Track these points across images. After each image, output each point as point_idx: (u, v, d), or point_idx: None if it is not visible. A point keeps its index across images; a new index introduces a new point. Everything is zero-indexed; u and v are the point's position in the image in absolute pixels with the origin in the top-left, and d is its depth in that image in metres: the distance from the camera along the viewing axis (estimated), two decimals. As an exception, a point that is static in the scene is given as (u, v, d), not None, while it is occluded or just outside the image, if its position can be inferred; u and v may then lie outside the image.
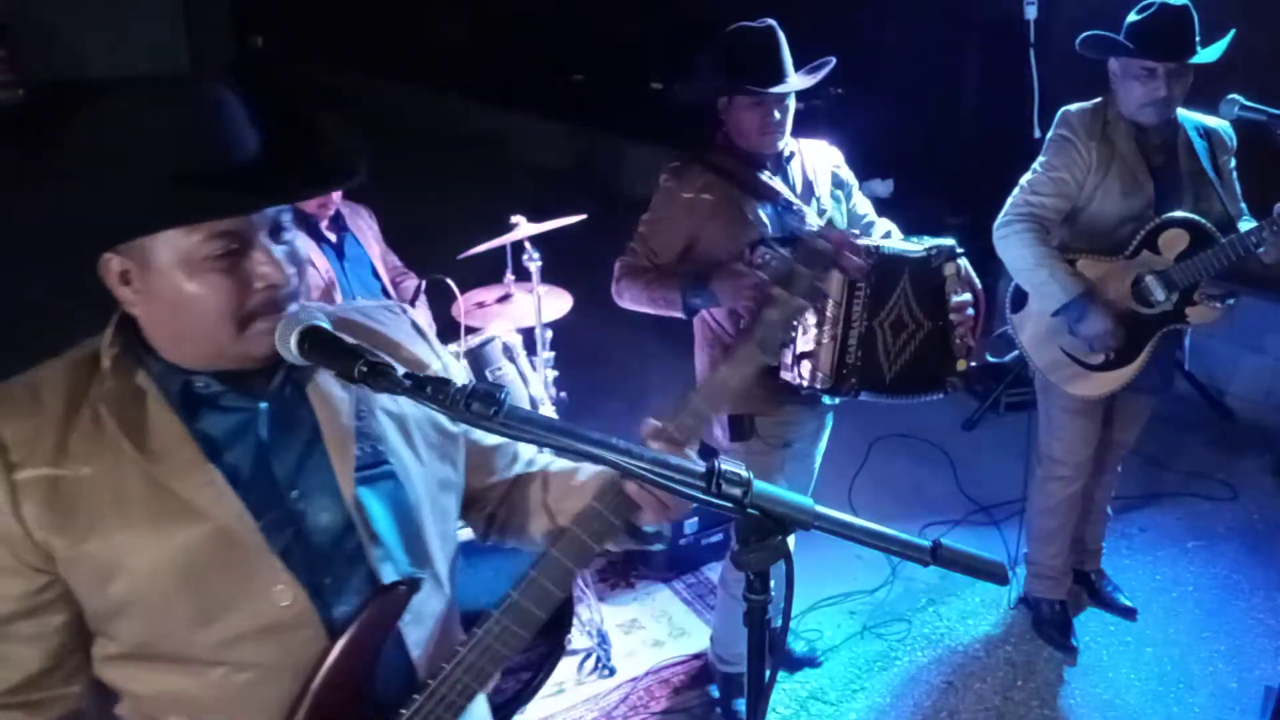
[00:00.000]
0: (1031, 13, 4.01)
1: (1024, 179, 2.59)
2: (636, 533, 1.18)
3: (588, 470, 1.30)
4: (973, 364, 2.26)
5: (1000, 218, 2.60)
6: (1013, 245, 2.54)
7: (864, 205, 2.56)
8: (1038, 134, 4.09)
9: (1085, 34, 2.47)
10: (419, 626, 1.16)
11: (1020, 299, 2.69)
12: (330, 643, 1.08)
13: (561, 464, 1.36)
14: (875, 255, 2.15)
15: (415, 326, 1.27)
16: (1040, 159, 2.57)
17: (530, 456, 1.39)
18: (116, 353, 1.05)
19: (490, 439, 1.33)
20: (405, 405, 1.18)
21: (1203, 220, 2.46)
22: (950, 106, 5.50)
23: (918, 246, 2.21)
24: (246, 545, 1.04)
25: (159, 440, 1.03)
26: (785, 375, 2.25)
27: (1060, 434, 2.75)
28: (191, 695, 1.07)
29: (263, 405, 1.08)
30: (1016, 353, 2.77)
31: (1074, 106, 2.56)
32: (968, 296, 2.21)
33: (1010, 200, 2.60)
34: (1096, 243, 2.56)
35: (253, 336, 1.01)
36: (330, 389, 1.12)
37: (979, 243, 2.82)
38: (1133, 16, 2.43)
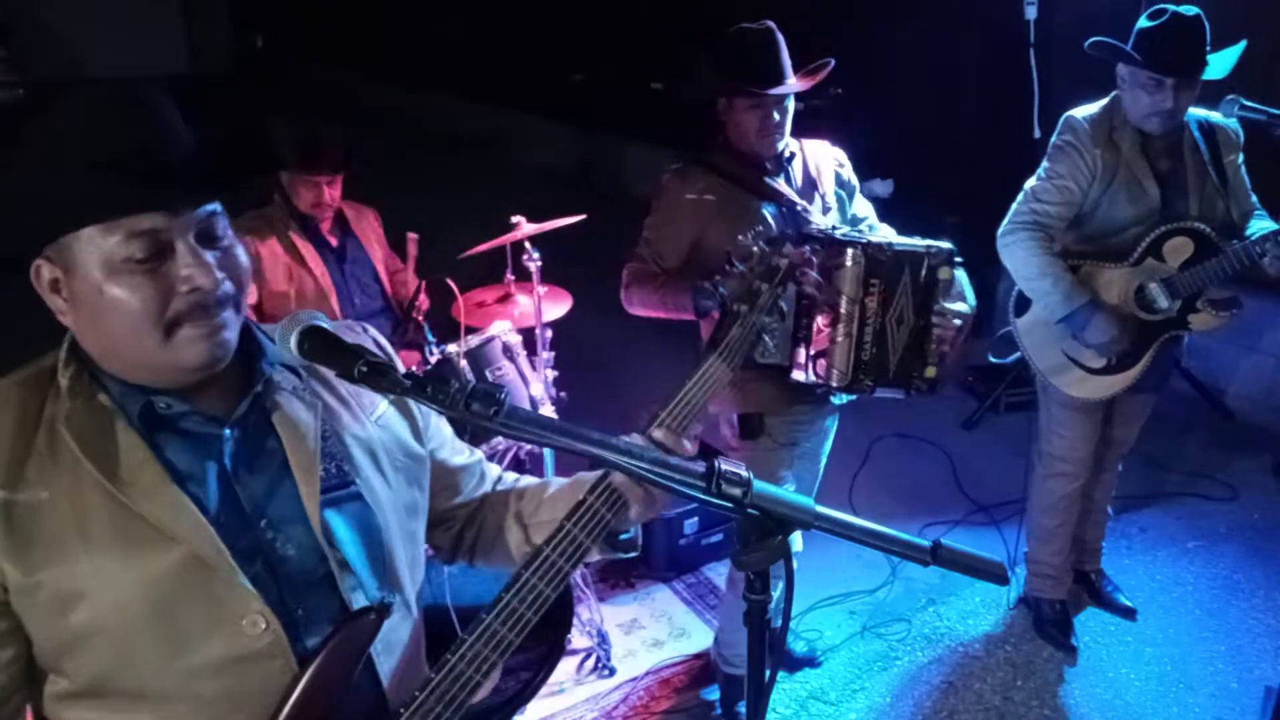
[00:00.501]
0: (1031, 13, 4.01)
1: (1028, 185, 2.57)
2: (614, 539, 1.17)
3: (558, 481, 1.29)
4: (941, 377, 2.23)
5: (1004, 225, 2.59)
6: (1017, 253, 2.53)
7: (864, 209, 2.56)
8: (1038, 134, 4.09)
9: (1094, 39, 2.45)
10: (389, 655, 1.13)
11: (1023, 303, 2.69)
12: (299, 673, 1.03)
13: (529, 479, 1.36)
14: (888, 252, 2.15)
15: (377, 343, 1.25)
16: (1044, 165, 2.56)
17: (498, 474, 1.38)
18: (73, 372, 1.02)
19: (458, 459, 1.33)
20: (371, 429, 1.16)
21: (1207, 229, 2.45)
22: (950, 106, 5.50)
23: (919, 243, 2.21)
24: (218, 572, 1.00)
25: (124, 464, 0.99)
26: (797, 375, 2.25)
27: (1061, 431, 2.75)
28: None
29: (227, 432, 1.05)
30: (1018, 354, 2.76)
31: (1078, 111, 2.54)
32: (961, 307, 2.20)
33: (1014, 207, 2.58)
34: (1101, 248, 2.55)
35: (180, 344, 0.98)
36: (296, 414, 1.09)
37: (979, 243, 2.82)
38: (1143, 23, 2.39)
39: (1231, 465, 3.90)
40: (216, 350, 1.01)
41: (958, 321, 2.19)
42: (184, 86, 1.03)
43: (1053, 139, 2.56)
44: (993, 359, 2.93)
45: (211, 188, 1.00)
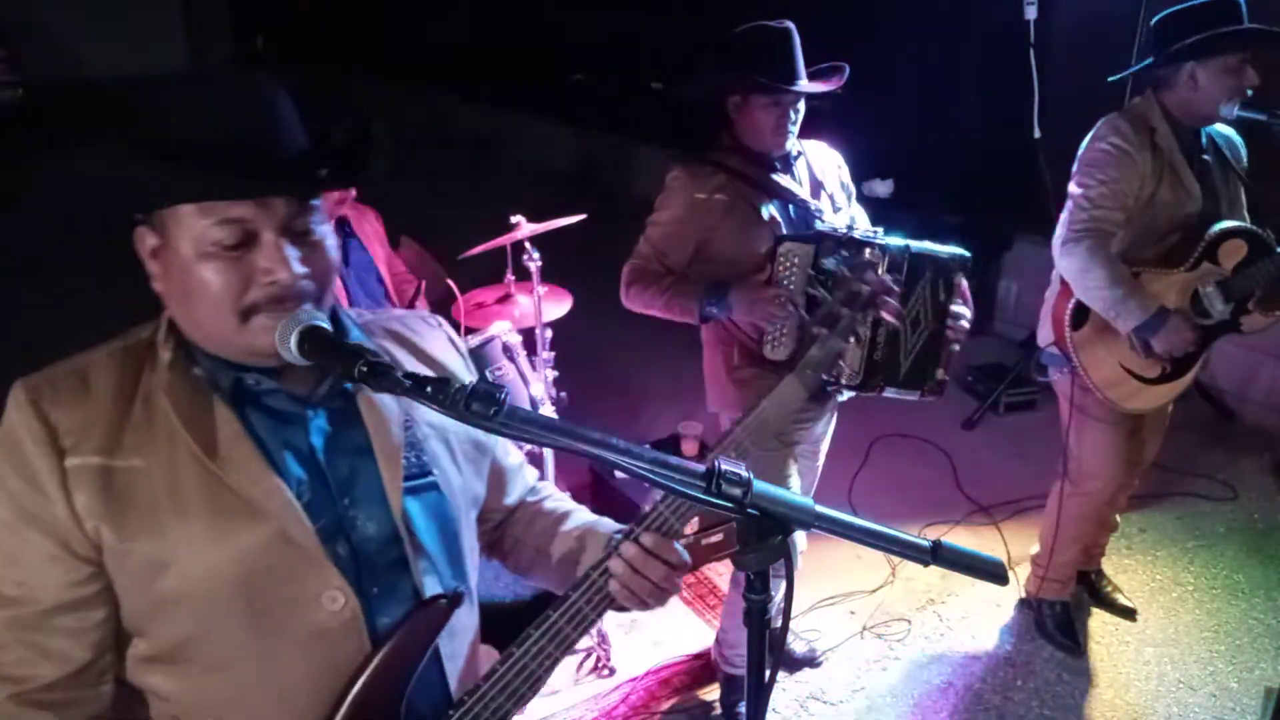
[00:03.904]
0: (1031, 13, 4.00)
1: (1076, 191, 2.48)
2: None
3: (576, 520, 1.32)
4: (945, 379, 2.25)
5: (1062, 233, 2.49)
6: (1082, 262, 2.42)
7: (860, 215, 2.55)
8: (1038, 134, 4.09)
9: (1175, 47, 2.37)
10: (454, 641, 1.16)
11: (1080, 317, 2.56)
12: (371, 653, 1.07)
13: (554, 503, 1.38)
14: (908, 254, 2.16)
15: (450, 339, 1.28)
16: (1089, 171, 2.47)
17: (533, 484, 1.41)
18: (173, 344, 1.05)
19: (512, 459, 1.36)
20: (446, 419, 1.18)
21: (1259, 230, 2.44)
22: (950, 106, 5.50)
23: (941, 248, 2.21)
24: (304, 550, 1.03)
25: (220, 437, 1.02)
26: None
27: (1094, 449, 2.69)
28: (226, 699, 1.06)
29: (311, 413, 1.08)
30: (1062, 372, 2.68)
31: (1117, 116, 2.48)
32: (966, 311, 2.21)
33: (1069, 215, 2.49)
34: (1146, 251, 2.51)
35: (254, 330, 1.00)
36: (381, 400, 1.12)
37: (979, 243, 2.81)
38: (1190, 10, 2.37)
39: (1231, 465, 3.90)
40: None
41: (965, 325, 2.20)
42: (302, 86, 1.04)
43: (1092, 144, 2.48)
44: (1039, 378, 2.89)
45: (304, 186, 1.02)
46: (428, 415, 1.16)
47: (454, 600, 1.11)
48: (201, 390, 1.04)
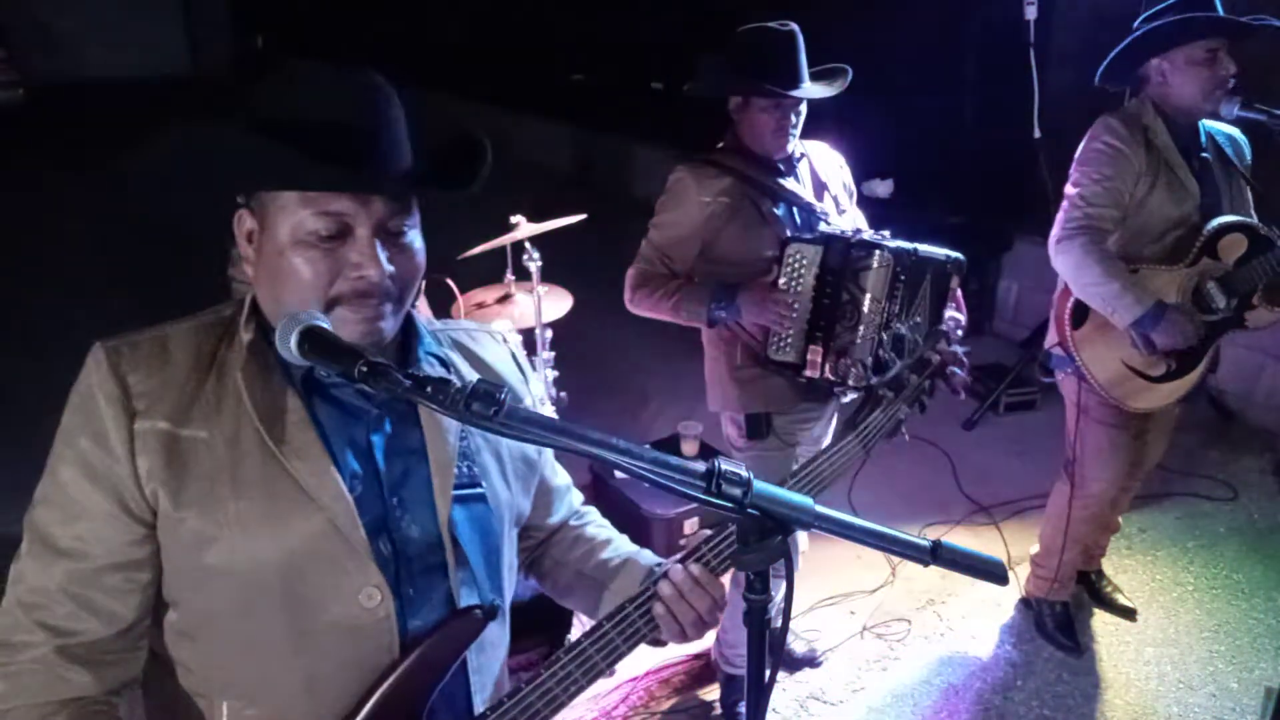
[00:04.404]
0: (1031, 13, 4.01)
1: (1071, 191, 2.50)
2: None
3: (617, 549, 1.33)
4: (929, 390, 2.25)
5: (1057, 231, 2.49)
6: (1077, 258, 2.43)
7: (858, 217, 2.55)
8: (1038, 134, 4.10)
9: (1125, 41, 2.41)
10: (482, 655, 1.16)
11: (1080, 315, 2.56)
12: (399, 655, 1.07)
13: (596, 529, 1.39)
14: (915, 256, 2.16)
15: (514, 356, 1.30)
16: (1085, 169, 2.48)
17: (578, 507, 1.42)
18: (255, 326, 1.07)
19: (560, 480, 1.37)
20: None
21: (1259, 224, 2.44)
22: (950, 106, 5.50)
23: (938, 251, 2.22)
24: (349, 543, 1.04)
25: (287, 422, 1.04)
26: (810, 374, 2.25)
27: (1098, 451, 2.69)
28: (252, 681, 1.06)
29: (375, 410, 1.09)
30: (1066, 373, 2.67)
31: (1111, 116, 2.49)
32: (960, 316, 2.21)
33: (1064, 214, 2.50)
34: (1144, 250, 2.51)
35: (336, 321, 1.01)
36: None
37: (979, 243, 2.81)
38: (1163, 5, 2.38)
39: (1231, 465, 3.90)
40: (369, 337, 1.04)
41: (959, 332, 2.20)
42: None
43: (1087, 144, 2.50)
44: (1043, 379, 2.89)
45: (406, 189, 1.04)
46: None
47: (489, 613, 1.12)
48: (275, 375, 1.05)
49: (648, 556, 1.30)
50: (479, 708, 1.15)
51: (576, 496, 1.42)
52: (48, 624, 1.02)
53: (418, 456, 1.11)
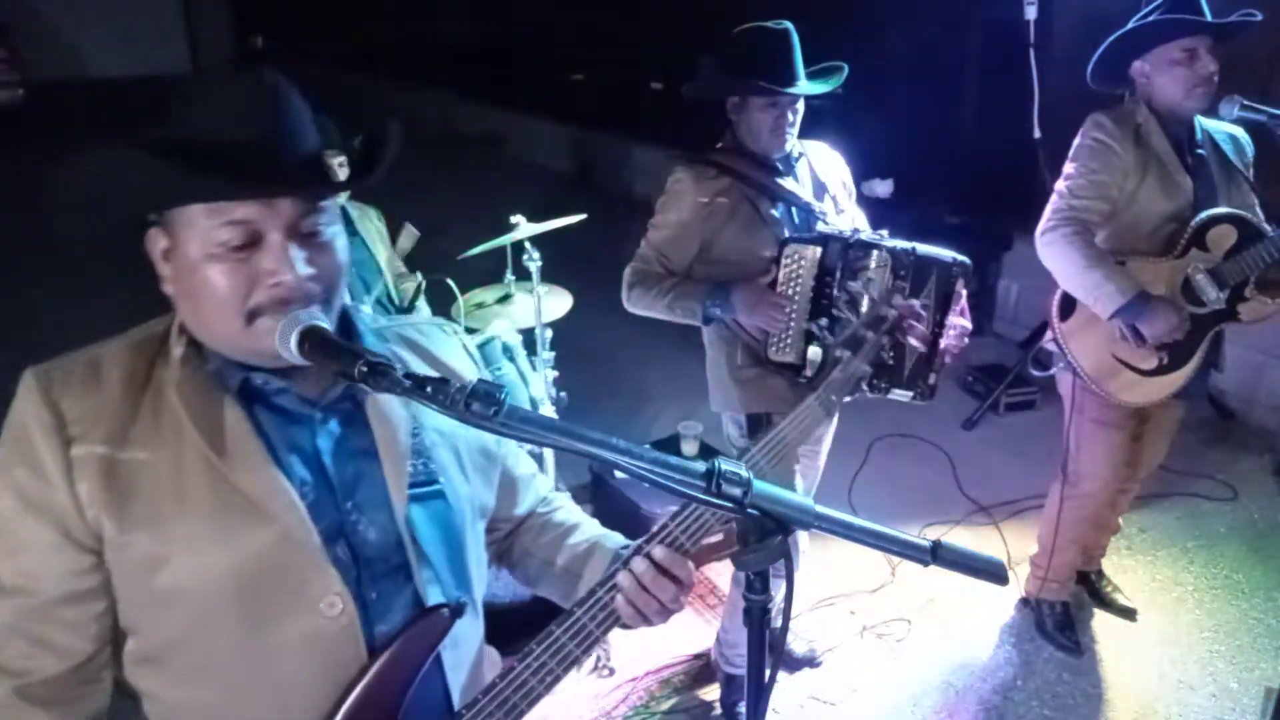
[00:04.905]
0: (1031, 13, 4.00)
1: (1060, 185, 2.52)
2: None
3: (584, 533, 1.31)
4: (935, 385, 2.24)
5: (1043, 224, 2.50)
6: (1060, 249, 2.44)
7: (858, 217, 2.55)
8: (1038, 134, 4.09)
9: (1111, 40, 2.42)
10: (456, 652, 1.15)
11: (1068, 307, 2.57)
12: (369, 661, 1.06)
13: (564, 515, 1.37)
14: (914, 256, 2.15)
15: (465, 348, 1.28)
16: (1073, 164, 2.50)
17: (545, 494, 1.41)
18: (186, 341, 1.05)
19: (523, 469, 1.36)
20: (456, 427, 1.17)
21: (1248, 215, 2.43)
22: (950, 106, 5.51)
23: (944, 253, 2.21)
24: (305, 553, 1.02)
25: (228, 436, 1.01)
26: (810, 374, 2.25)
27: (1092, 450, 2.69)
28: (219, 702, 1.05)
29: (320, 415, 1.08)
30: (1058, 367, 2.67)
31: (1102, 112, 2.50)
32: (966, 324, 2.20)
33: (1050, 207, 2.51)
34: (1137, 245, 2.51)
35: (259, 332, 0.99)
36: (389, 405, 1.11)
37: (979, 243, 2.81)
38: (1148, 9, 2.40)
39: (1231, 465, 3.90)
40: None
41: (965, 340, 2.20)
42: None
43: (1078, 139, 2.51)
44: (1035, 373, 2.88)
45: (308, 188, 1.01)
46: (437, 422, 1.15)
47: (455, 611, 1.10)
48: (212, 387, 1.03)
49: (615, 538, 1.29)
50: (459, 704, 1.14)
51: (543, 484, 1.40)
52: (1, 666, 1.01)
53: (369, 458, 1.09)
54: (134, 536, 0.99)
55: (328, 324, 1.01)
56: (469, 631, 1.18)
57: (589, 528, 1.34)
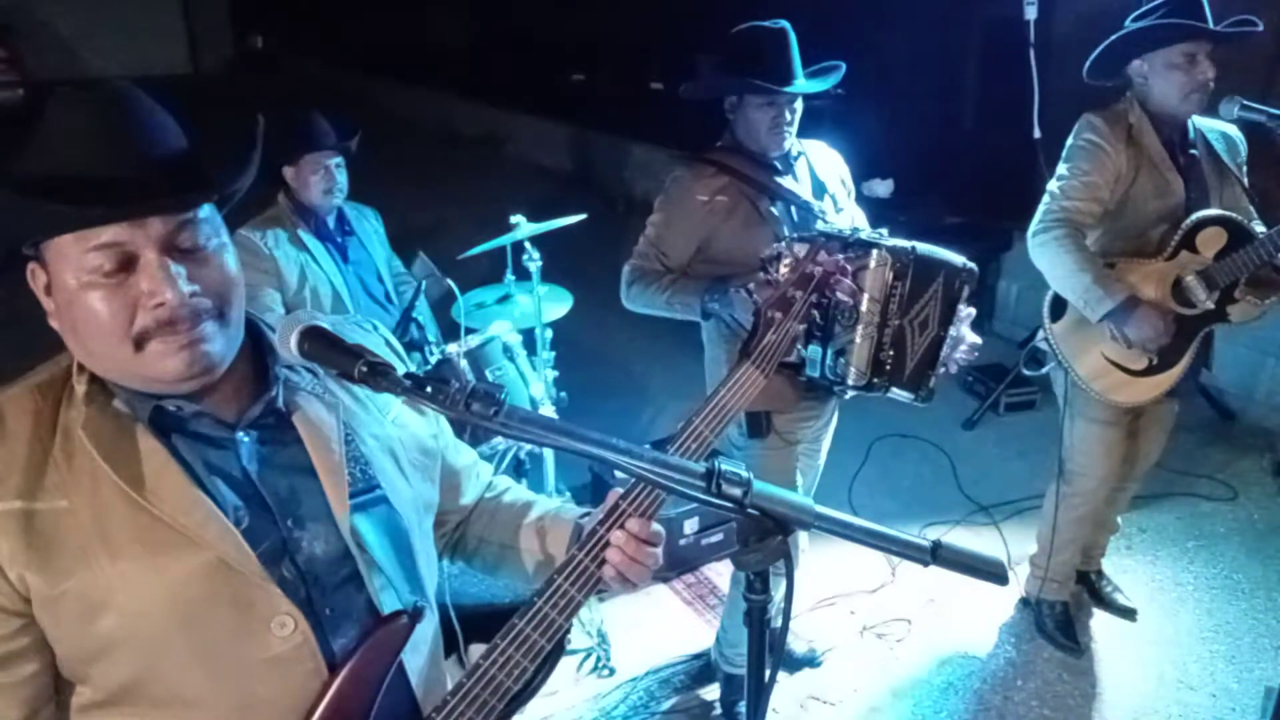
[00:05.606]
0: (1031, 13, 4.00)
1: (1052, 186, 2.52)
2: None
3: (539, 510, 1.29)
4: (934, 387, 2.24)
5: (1034, 225, 2.51)
6: (1051, 251, 2.45)
7: (858, 216, 2.55)
8: (1038, 134, 4.09)
9: (1116, 36, 2.42)
10: (417, 654, 1.13)
11: (1059, 307, 2.59)
12: (329, 677, 1.03)
13: (513, 495, 1.36)
14: (912, 255, 2.15)
15: (388, 342, 1.25)
16: (1066, 165, 2.51)
17: (490, 480, 1.38)
18: (88, 377, 1.00)
19: (464, 459, 1.34)
20: (390, 428, 1.16)
21: (1239, 217, 2.44)
22: (950, 106, 5.51)
23: (953, 256, 2.21)
24: (246, 576, 0.99)
25: (146, 469, 0.97)
26: (811, 373, 2.25)
27: (1087, 447, 2.69)
28: None
29: (241, 435, 1.04)
30: (1050, 366, 2.67)
31: (1094, 113, 2.51)
32: (976, 340, 2.20)
33: (1042, 208, 2.52)
34: (1130, 246, 2.51)
35: (151, 357, 0.95)
36: (318, 415, 1.08)
37: (979, 243, 2.81)
38: (1148, 9, 2.40)
39: (1231, 465, 3.90)
40: (195, 364, 0.97)
41: (976, 355, 2.19)
42: (171, 87, 0.99)
43: (1071, 140, 2.52)
44: (1026, 372, 2.88)
45: (156, 200, 0.94)
46: (370, 428, 1.13)
47: (414, 616, 1.08)
48: (123, 422, 0.99)
49: (570, 509, 1.28)
50: (423, 702, 1.13)
51: (485, 470, 1.38)
52: None
53: (304, 472, 1.06)
54: (67, 587, 0.95)
55: (223, 340, 0.98)
56: (425, 631, 1.16)
57: (542, 504, 1.32)
